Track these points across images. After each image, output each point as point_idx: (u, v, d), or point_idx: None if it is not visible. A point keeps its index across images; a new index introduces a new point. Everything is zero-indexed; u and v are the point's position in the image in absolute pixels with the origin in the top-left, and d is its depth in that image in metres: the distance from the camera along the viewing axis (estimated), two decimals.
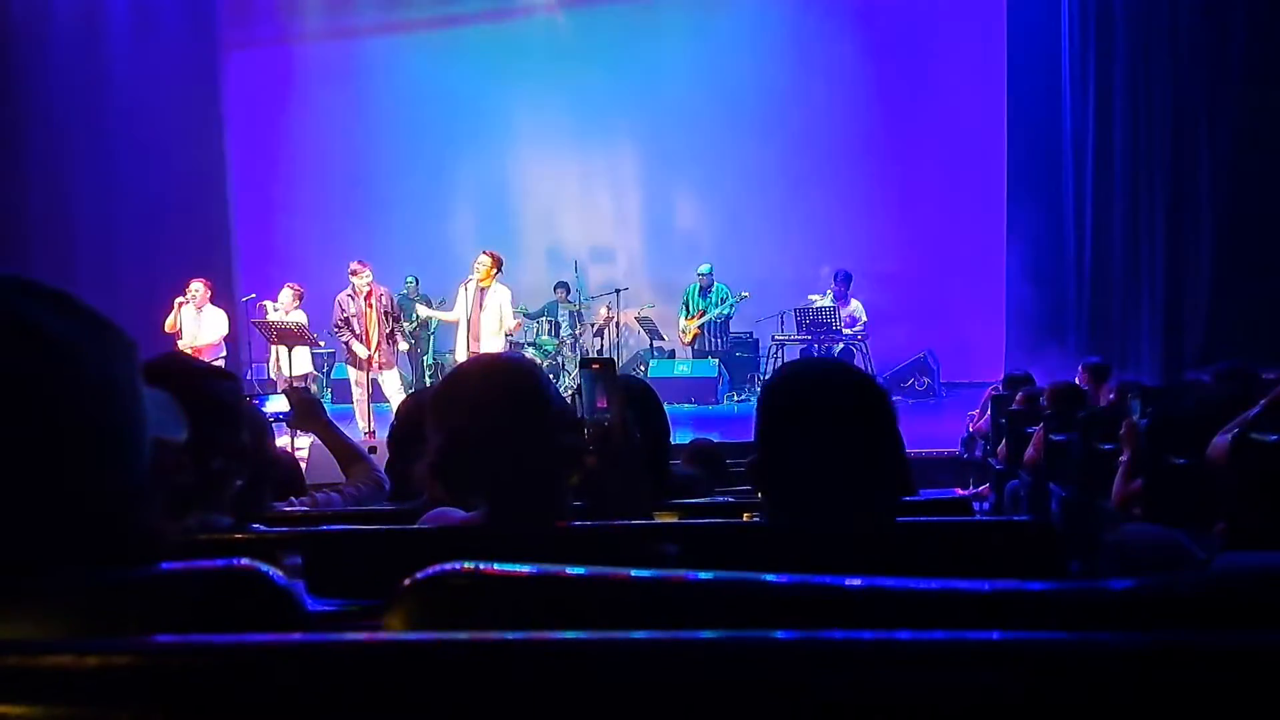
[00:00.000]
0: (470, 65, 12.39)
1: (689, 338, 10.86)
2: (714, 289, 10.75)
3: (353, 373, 8.64)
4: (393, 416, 2.45)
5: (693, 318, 10.80)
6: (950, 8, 11.08)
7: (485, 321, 8.36)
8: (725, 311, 10.73)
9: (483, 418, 1.60)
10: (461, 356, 8.48)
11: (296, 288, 8.98)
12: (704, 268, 10.80)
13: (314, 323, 8.99)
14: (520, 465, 1.61)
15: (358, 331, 8.41)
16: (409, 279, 11.19)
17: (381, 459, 2.91)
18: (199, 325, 8.74)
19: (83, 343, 0.78)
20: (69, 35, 10.87)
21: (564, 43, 12.12)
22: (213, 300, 8.89)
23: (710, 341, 10.78)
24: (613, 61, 12.04)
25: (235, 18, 12.41)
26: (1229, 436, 3.24)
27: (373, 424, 8.44)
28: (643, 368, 10.85)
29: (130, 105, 10.97)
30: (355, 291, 8.39)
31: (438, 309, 10.05)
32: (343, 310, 8.44)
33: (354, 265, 8.42)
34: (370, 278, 8.39)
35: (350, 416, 8.58)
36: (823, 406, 1.44)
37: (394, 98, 12.59)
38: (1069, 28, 9.84)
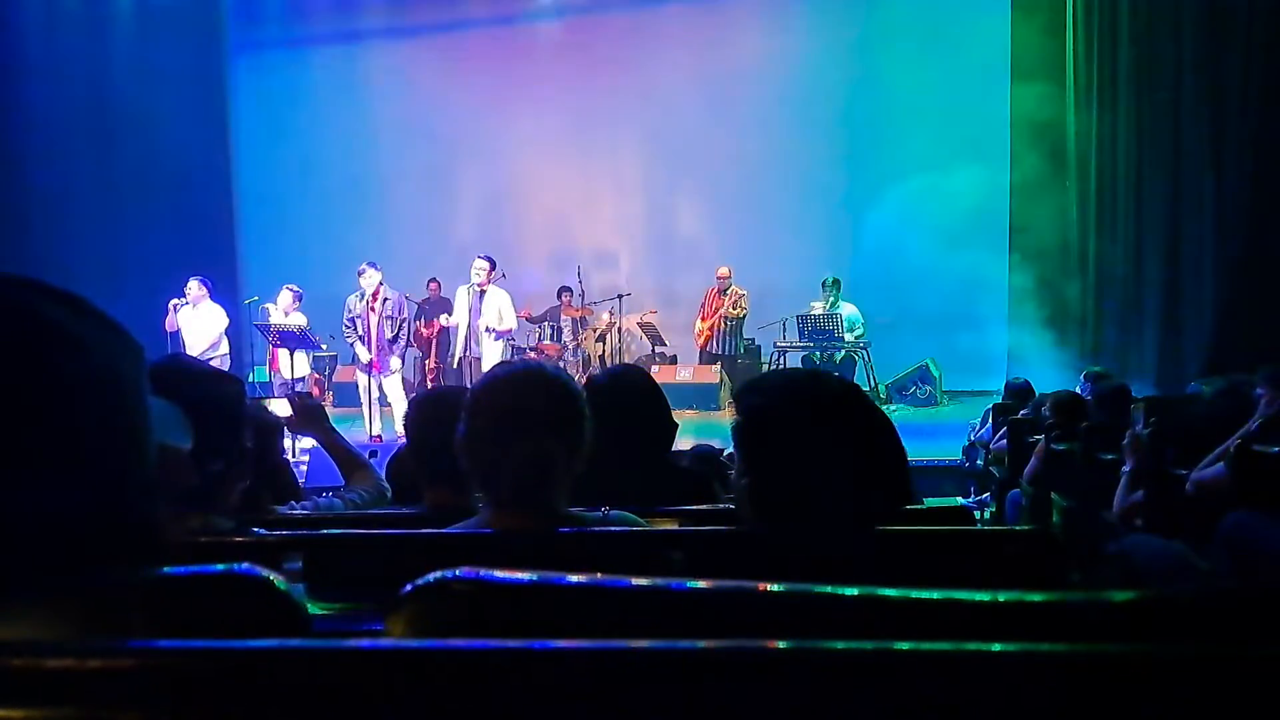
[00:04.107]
0: (474, 70, 12.41)
1: (702, 340, 10.87)
2: (729, 293, 10.71)
3: (360, 375, 8.68)
4: (404, 415, 2.46)
5: (706, 318, 10.79)
6: (955, 13, 11.08)
7: (481, 322, 8.44)
8: (734, 312, 10.67)
9: (510, 421, 1.62)
10: (457, 357, 8.62)
11: (294, 289, 9.00)
12: (723, 270, 10.78)
13: (315, 324, 9.00)
14: (531, 469, 1.62)
15: (361, 334, 8.45)
16: (431, 282, 11.26)
17: (381, 463, 2.91)
18: (198, 323, 8.75)
19: (90, 341, 0.78)
20: (74, 36, 10.90)
21: (568, 48, 12.14)
22: (212, 298, 8.89)
23: (721, 344, 10.74)
24: (616, 67, 12.06)
25: (242, 20, 12.43)
26: (1220, 467, 3.25)
27: (380, 427, 8.47)
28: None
29: (135, 106, 10.99)
30: (362, 293, 8.44)
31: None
32: (349, 311, 8.49)
33: (362, 266, 8.46)
34: (378, 280, 8.41)
35: (355, 420, 8.59)
36: (802, 421, 1.43)
37: (399, 101, 12.61)
38: (1073, 36, 9.86)
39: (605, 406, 2.38)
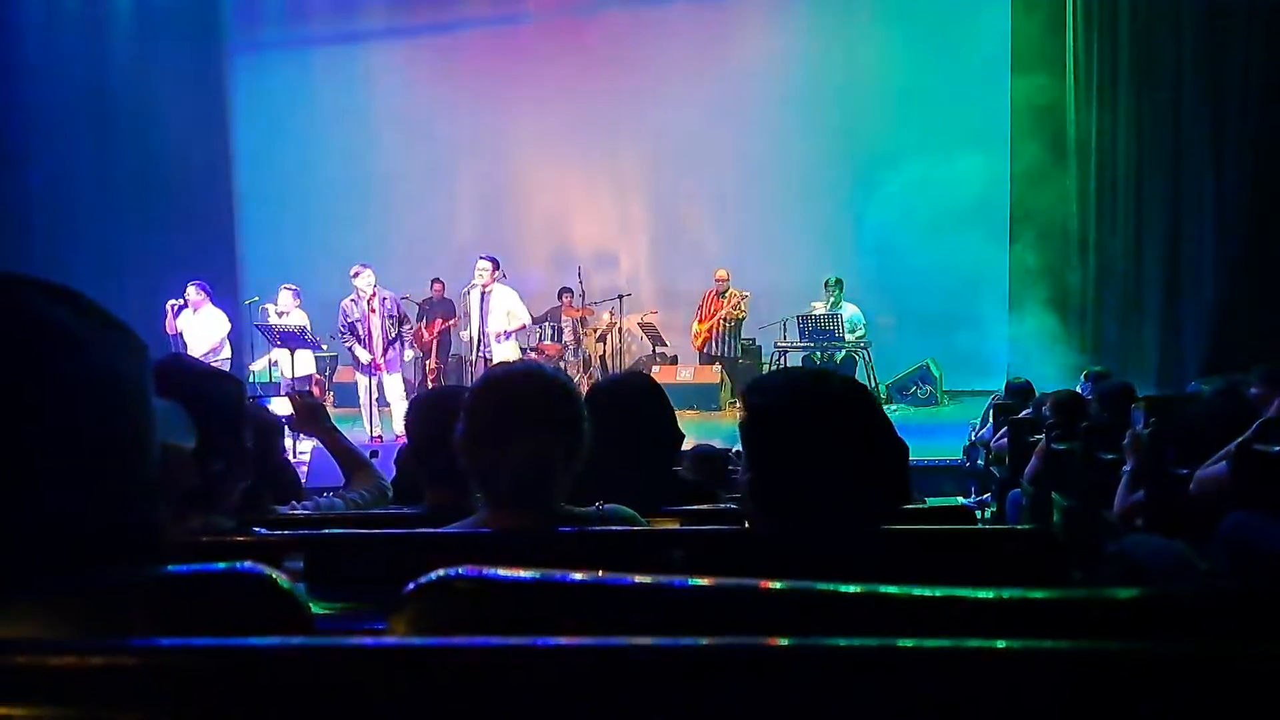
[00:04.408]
0: (474, 70, 12.40)
1: (699, 341, 10.86)
2: (727, 295, 10.71)
3: (359, 377, 8.68)
4: (404, 415, 2.47)
5: (704, 320, 10.79)
6: (956, 13, 11.08)
7: (493, 324, 8.43)
8: (735, 314, 10.66)
9: (509, 421, 1.62)
10: (473, 359, 8.59)
11: (293, 288, 9.00)
12: (721, 273, 10.78)
13: (316, 325, 9.00)
14: (530, 469, 1.62)
15: (361, 336, 8.44)
16: (435, 282, 11.25)
17: (382, 463, 2.91)
18: (199, 328, 8.75)
19: (93, 340, 0.78)
20: (74, 37, 10.90)
21: (567, 48, 12.14)
22: (213, 301, 8.90)
23: (719, 345, 10.74)
24: (616, 67, 12.05)
25: (242, 21, 12.44)
26: (1223, 465, 3.25)
27: (379, 428, 8.47)
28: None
29: (135, 108, 11.00)
30: (359, 295, 8.42)
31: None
32: (346, 316, 8.47)
33: (355, 269, 8.46)
34: (373, 280, 8.41)
35: (355, 421, 8.59)
36: (804, 419, 1.42)
37: (398, 101, 12.61)
38: (1073, 37, 9.86)
39: (608, 412, 2.38)
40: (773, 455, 1.44)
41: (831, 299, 10.14)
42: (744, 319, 10.76)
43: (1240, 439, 3.25)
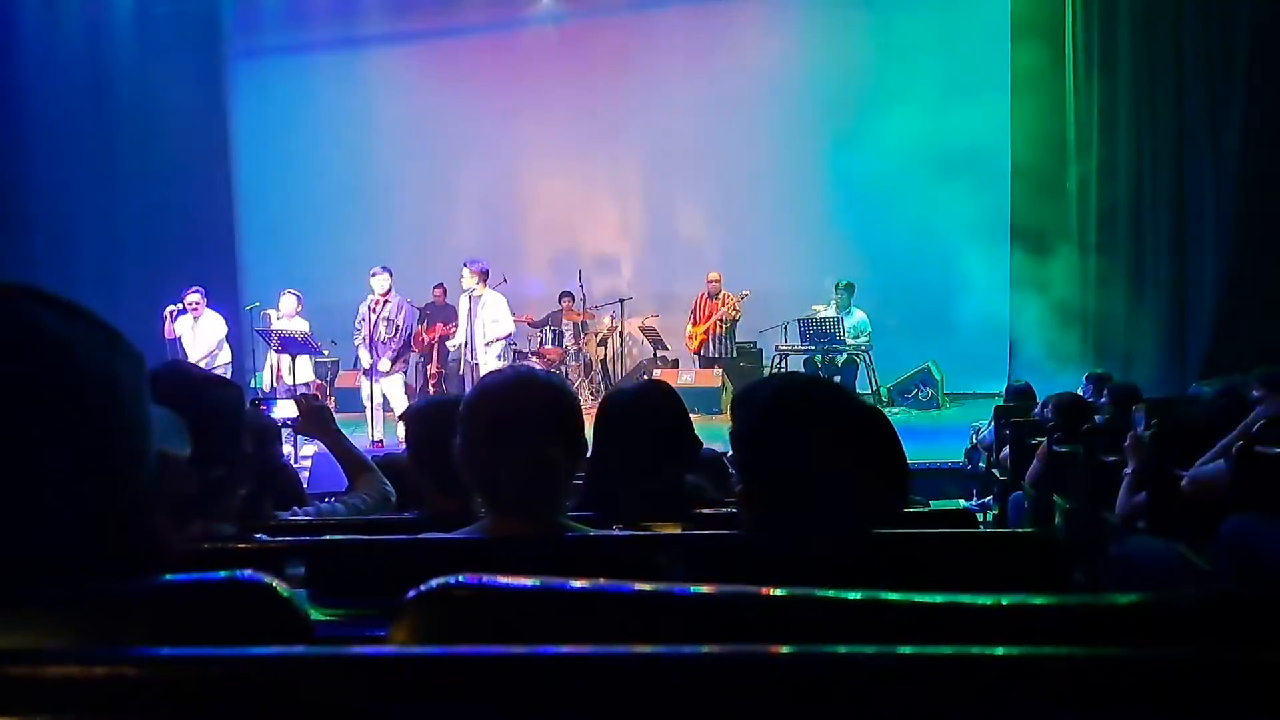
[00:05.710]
0: (475, 75, 12.42)
1: (695, 344, 10.86)
2: (721, 296, 10.74)
3: (363, 381, 8.72)
4: (404, 425, 2.47)
5: (699, 323, 10.79)
6: (954, 16, 11.09)
7: (478, 329, 8.47)
8: (730, 315, 10.68)
9: (506, 429, 1.63)
10: (462, 363, 8.64)
11: (295, 293, 9.02)
12: (713, 274, 10.80)
13: (316, 330, 9.01)
14: (532, 475, 1.63)
15: (365, 337, 8.51)
16: (436, 288, 11.25)
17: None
18: (198, 333, 8.76)
19: (88, 348, 0.78)
20: (74, 43, 10.92)
21: (569, 52, 12.15)
22: (211, 306, 8.92)
23: (715, 347, 10.75)
24: (617, 71, 12.06)
25: (242, 27, 12.46)
26: (1220, 465, 3.25)
27: (382, 432, 8.48)
28: (645, 378, 10.81)
29: (135, 114, 11.02)
30: (370, 299, 8.53)
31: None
32: (358, 317, 8.59)
33: (375, 269, 8.56)
34: (387, 284, 8.48)
35: (358, 425, 8.59)
36: (793, 426, 1.42)
37: (399, 106, 12.62)
38: (1073, 35, 9.85)
39: (626, 422, 2.37)
40: (765, 464, 1.43)
41: (839, 302, 10.14)
42: (739, 320, 10.77)
43: (1234, 436, 3.25)
